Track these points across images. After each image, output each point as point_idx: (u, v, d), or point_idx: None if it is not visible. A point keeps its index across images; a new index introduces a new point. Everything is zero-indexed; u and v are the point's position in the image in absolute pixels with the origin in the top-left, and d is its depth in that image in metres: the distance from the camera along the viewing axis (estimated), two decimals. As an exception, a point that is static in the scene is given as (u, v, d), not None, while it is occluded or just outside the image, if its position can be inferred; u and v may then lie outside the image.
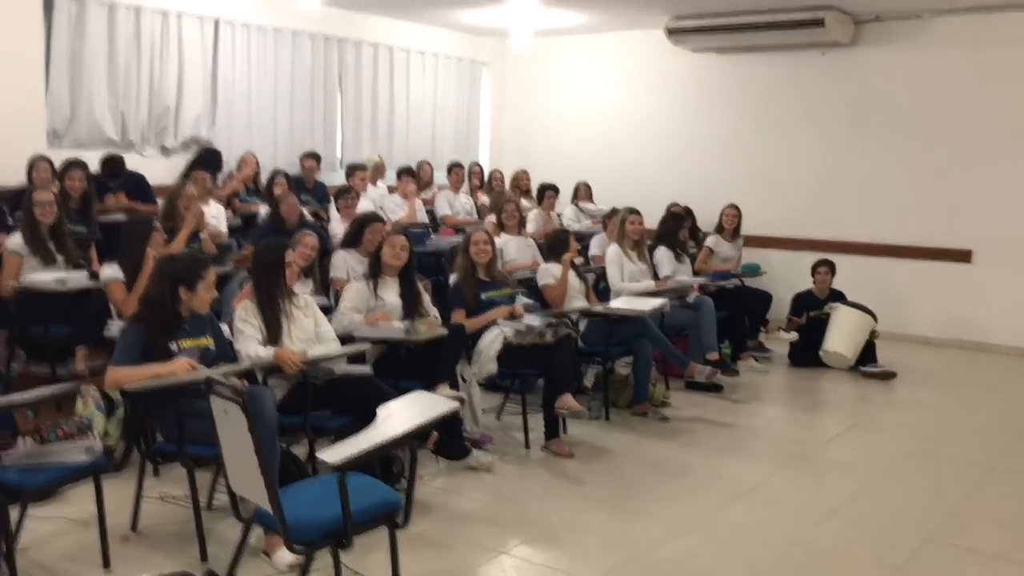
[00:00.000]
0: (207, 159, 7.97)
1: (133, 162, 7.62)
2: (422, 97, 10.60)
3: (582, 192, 9.88)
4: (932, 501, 4.85)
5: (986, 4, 8.35)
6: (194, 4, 8.27)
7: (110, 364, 4.00)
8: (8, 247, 5.60)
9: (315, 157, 8.76)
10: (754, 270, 8.36)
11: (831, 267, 8.04)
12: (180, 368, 3.90)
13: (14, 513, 3.70)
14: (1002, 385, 7.56)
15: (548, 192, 9.13)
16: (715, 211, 8.67)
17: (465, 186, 9.69)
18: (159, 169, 7.96)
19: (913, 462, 5.53)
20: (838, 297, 7.98)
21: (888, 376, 7.48)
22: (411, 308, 5.27)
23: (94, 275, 5.46)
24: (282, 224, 6.78)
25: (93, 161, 7.26)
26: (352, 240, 6.12)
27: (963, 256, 8.77)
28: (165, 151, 8.27)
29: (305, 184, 8.56)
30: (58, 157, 6.94)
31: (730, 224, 8.41)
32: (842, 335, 7.62)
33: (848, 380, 7.51)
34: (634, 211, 7.02)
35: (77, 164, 6.49)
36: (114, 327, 4.71)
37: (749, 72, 9.87)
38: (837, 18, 8.73)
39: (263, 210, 7.67)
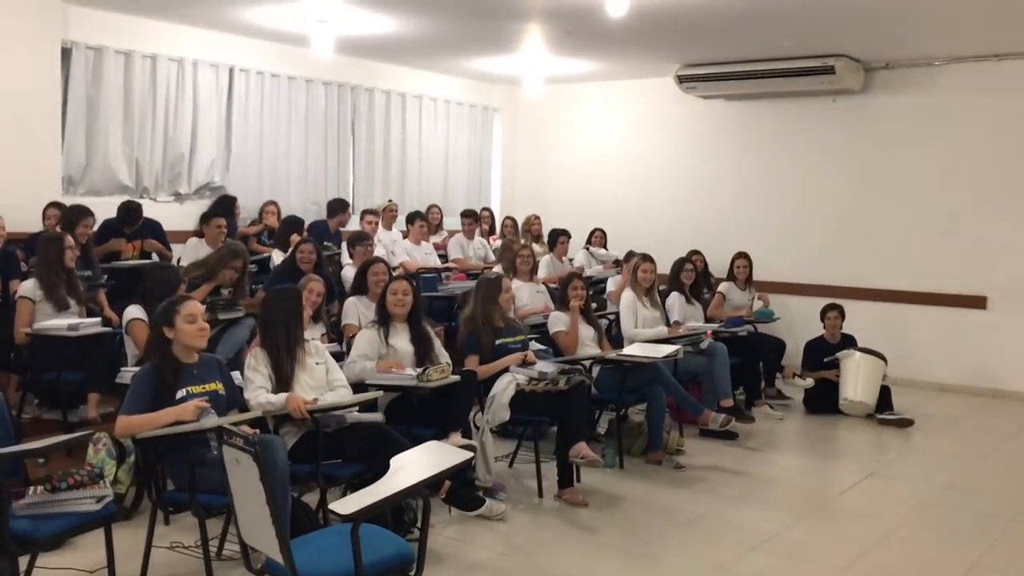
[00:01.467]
0: (222, 205, 8.05)
1: (147, 208, 7.65)
2: (434, 143, 10.69)
3: (597, 238, 9.88)
4: (953, 552, 4.76)
5: (996, 51, 8.40)
6: (209, 52, 8.39)
7: (120, 412, 3.98)
8: (21, 292, 5.60)
9: (375, 213, 8.76)
10: (767, 316, 8.31)
11: (840, 311, 8.01)
12: (188, 411, 3.88)
13: (23, 562, 3.66)
14: (1021, 433, 7.45)
15: (560, 237, 9.14)
16: (727, 257, 8.65)
17: (478, 231, 9.71)
18: (173, 215, 8.03)
19: (933, 512, 5.44)
20: (850, 342, 7.93)
21: (905, 423, 7.39)
22: (423, 354, 5.24)
23: (106, 321, 5.45)
24: (297, 271, 6.79)
25: (107, 207, 7.33)
26: (360, 286, 6.11)
27: (978, 303, 8.71)
28: (179, 197, 8.34)
29: (328, 230, 8.60)
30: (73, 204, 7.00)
31: (742, 275, 8.40)
32: (861, 383, 7.55)
33: (865, 428, 7.42)
34: (647, 258, 7.03)
35: (87, 212, 6.54)
36: (126, 374, 4.68)
37: (760, 119, 9.92)
38: (847, 65, 8.77)
39: (276, 255, 7.69)
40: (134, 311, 5.24)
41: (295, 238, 7.49)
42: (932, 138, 8.93)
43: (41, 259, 5.66)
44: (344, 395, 4.58)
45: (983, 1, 6.71)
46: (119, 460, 4.73)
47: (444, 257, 9.02)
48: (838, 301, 8.22)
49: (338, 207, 8.76)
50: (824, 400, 7.71)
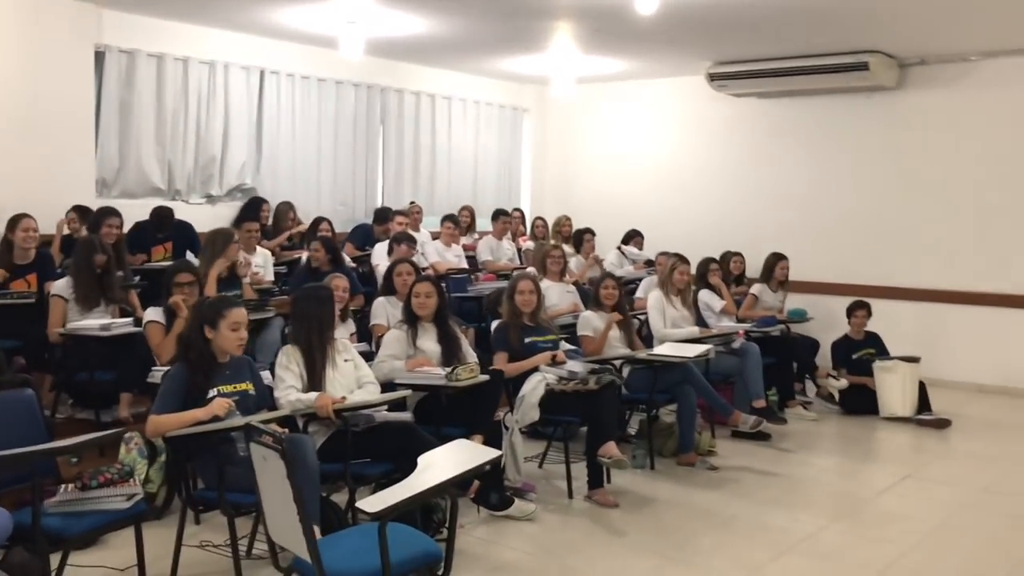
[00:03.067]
0: (250, 208, 8.13)
1: (179, 210, 7.74)
2: (463, 144, 10.68)
3: (636, 241, 9.80)
4: (992, 557, 4.66)
5: (1034, 46, 8.25)
6: (240, 55, 8.43)
7: (151, 412, 4.01)
8: (53, 291, 5.66)
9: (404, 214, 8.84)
10: (800, 315, 8.20)
11: (868, 309, 7.94)
12: (219, 408, 3.90)
13: (55, 560, 3.69)
14: (1061, 435, 7.31)
15: (586, 235, 9.11)
16: (760, 256, 8.55)
17: (508, 232, 9.68)
18: (205, 217, 8.06)
19: (971, 515, 5.33)
20: (874, 340, 7.89)
21: (943, 424, 7.27)
22: (451, 353, 5.22)
23: (138, 321, 5.49)
24: (315, 270, 6.84)
25: (140, 209, 7.40)
26: (388, 286, 6.12)
27: (1017, 302, 8.54)
28: (211, 199, 8.39)
29: (373, 235, 8.65)
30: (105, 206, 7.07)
31: (782, 276, 8.28)
32: (896, 395, 7.44)
33: (901, 429, 7.31)
34: (684, 259, 7.01)
35: (112, 212, 6.59)
36: (157, 374, 4.71)
37: (793, 117, 9.81)
38: (882, 62, 8.64)
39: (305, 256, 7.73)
40: (151, 313, 5.28)
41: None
42: (968, 134, 8.78)
43: (76, 264, 5.72)
44: (373, 392, 4.59)
45: (1020, -6, 6.59)
46: (150, 459, 4.77)
47: (473, 258, 9.00)
48: (871, 300, 8.10)
49: (383, 215, 8.84)
50: (861, 400, 7.62)
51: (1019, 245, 8.53)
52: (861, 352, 7.83)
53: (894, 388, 7.47)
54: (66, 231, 6.84)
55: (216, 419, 3.89)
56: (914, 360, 7.51)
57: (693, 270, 7.45)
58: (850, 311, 7.99)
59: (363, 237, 8.70)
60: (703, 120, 10.40)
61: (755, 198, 10.02)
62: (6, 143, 6.84)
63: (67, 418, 5.68)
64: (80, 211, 6.99)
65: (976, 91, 8.73)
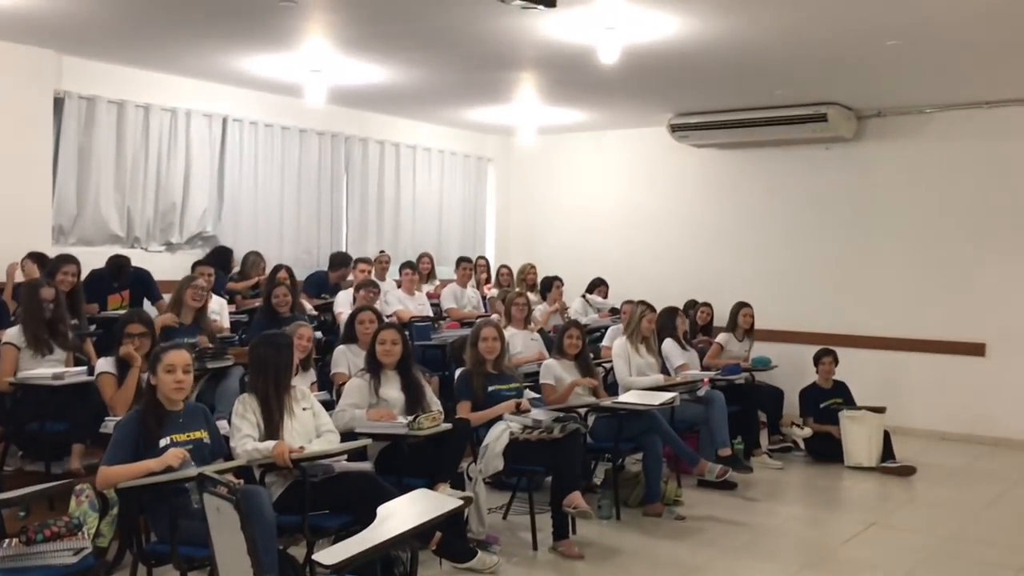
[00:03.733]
0: (218, 256, 8.04)
1: (138, 258, 7.62)
2: (428, 192, 10.68)
3: (600, 291, 9.81)
4: (960, 604, 4.63)
5: (987, 99, 8.43)
6: (203, 102, 8.39)
7: (101, 463, 3.89)
8: (5, 339, 5.52)
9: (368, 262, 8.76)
10: (764, 363, 8.22)
11: (834, 357, 8.01)
12: (172, 459, 3.79)
13: (-5, 620, 3.53)
14: (1024, 481, 7.34)
15: (556, 282, 9.11)
16: (723, 305, 8.59)
17: (472, 280, 9.65)
18: (164, 264, 7.97)
19: (937, 563, 5.30)
20: (842, 388, 7.95)
21: (907, 472, 7.28)
22: (414, 401, 5.15)
23: (92, 370, 5.36)
24: (275, 315, 6.75)
25: (98, 257, 7.27)
26: (350, 334, 6.04)
27: (977, 349, 8.64)
28: (171, 247, 8.28)
29: (328, 282, 8.57)
30: (62, 252, 6.95)
31: (746, 324, 8.31)
32: (862, 445, 7.45)
33: (866, 477, 7.30)
34: (651, 307, 6.99)
35: (69, 259, 6.47)
36: (111, 423, 4.58)
37: (753, 167, 9.94)
38: (840, 113, 8.81)
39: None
40: (103, 364, 5.17)
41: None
42: (926, 185, 8.94)
43: (24, 306, 5.60)
44: (333, 440, 4.50)
45: (972, 49, 6.75)
46: (102, 512, 4.60)
47: (437, 306, 8.95)
48: (834, 348, 8.16)
49: (339, 261, 8.77)
50: (827, 447, 7.64)
51: (980, 293, 8.65)
52: (829, 401, 7.86)
53: (860, 438, 7.48)
54: (20, 278, 6.69)
55: (170, 469, 3.78)
56: (880, 410, 7.54)
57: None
58: (817, 359, 8.04)
59: (318, 285, 8.60)
60: (665, 170, 10.50)
61: (717, 247, 10.10)
62: (-40, 190, 6.72)
63: (16, 470, 5.50)
64: (36, 258, 6.84)
65: (932, 142, 8.91)
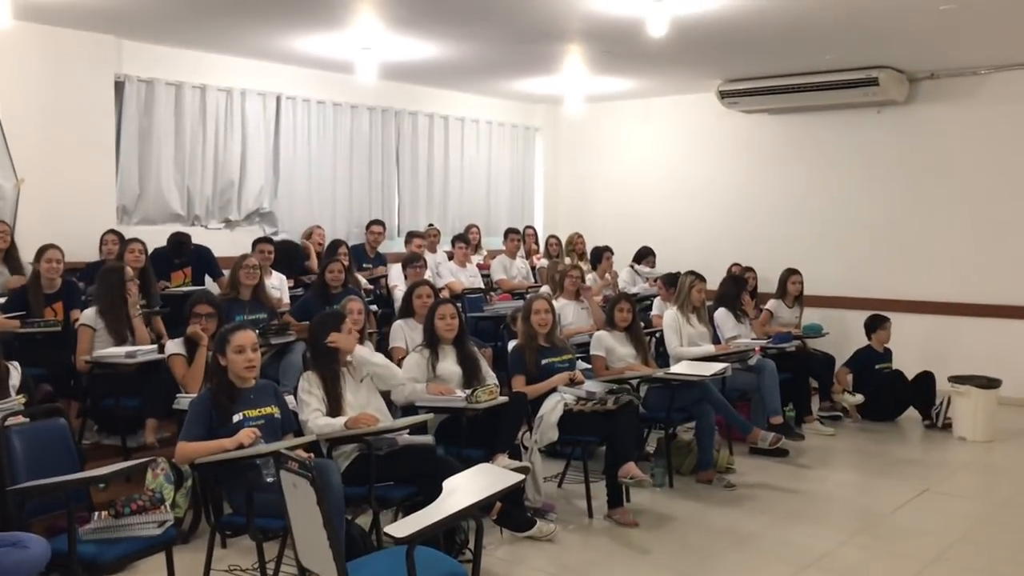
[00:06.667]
0: (286, 256, 7.99)
1: (199, 235, 7.85)
2: (476, 164, 10.79)
3: (648, 261, 9.85)
4: (1012, 571, 4.68)
5: (1043, 58, 8.29)
6: (257, 82, 8.57)
7: (179, 439, 4.10)
8: (82, 320, 5.76)
9: (381, 224, 8.94)
10: (816, 331, 8.24)
11: (889, 323, 8.05)
12: (244, 438, 3.98)
13: (88, 587, 3.76)
14: (1080, 446, 7.31)
15: (605, 253, 9.16)
16: (774, 272, 8.60)
17: (520, 250, 9.76)
18: (223, 241, 8.19)
19: (990, 529, 5.35)
20: (890, 355, 7.98)
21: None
22: (470, 375, 5.29)
23: (163, 348, 5.58)
24: (327, 290, 6.91)
25: (160, 236, 7.51)
26: (407, 309, 6.19)
27: (1031, 313, 8.56)
28: (229, 224, 8.51)
29: (367, 252, 8.72)
30: (127, 233, 7.25)
31: (795, 291, 8.32)
32: (965, 418, 7.39)
33: (918, 442, 7.33)
34: (700, 277, 7.00)
35: (135, 240, 6.75)
36: (183, 400, 4.80)
37: (804, 132, 9.86)
38: (891, 76, 8.70)
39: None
40: (172, 346, 5.37)
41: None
42: (978, 147, 8.82)
43: (101, 289, 5.80)
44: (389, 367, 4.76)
45: (1028, 9, 6.64)
46: (177, 485, 4.85)
47: (487, 277, 9.08)
48: (884, 313, 8.16)
49: (369, 224, 8.94)
50: (880, 407, 7.72)
51: (1032, 256, 8.55)
52: (882, 364, 7.90)
53: (966, 411, 7.39)
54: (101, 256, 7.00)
55: (241, 447, 3.98)
56: (994, 384, 7.44)
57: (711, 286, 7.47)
58: (873, 325, 8.04)
59: (358, 257, 8.72)
60: (714, 137, 10.47)
61: (767, 213, 10.08)
62: (30, 174, 6.97)
63: (94, 444, 5.76)
64: (116, 234, 7.14)
65: (986, 104, 8.77)
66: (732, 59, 8.58)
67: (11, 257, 6.62)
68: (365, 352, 4.79)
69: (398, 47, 7.77)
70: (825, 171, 9.74)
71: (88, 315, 5.74)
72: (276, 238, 8.31)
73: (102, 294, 5.78)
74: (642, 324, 6.77)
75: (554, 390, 5.55)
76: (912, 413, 7.87)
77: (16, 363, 4.59)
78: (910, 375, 7.96)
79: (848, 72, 8.72)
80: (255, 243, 7.60)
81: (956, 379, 7.51)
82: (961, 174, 8.93)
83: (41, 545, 3.36)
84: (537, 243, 10.49)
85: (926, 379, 7.92)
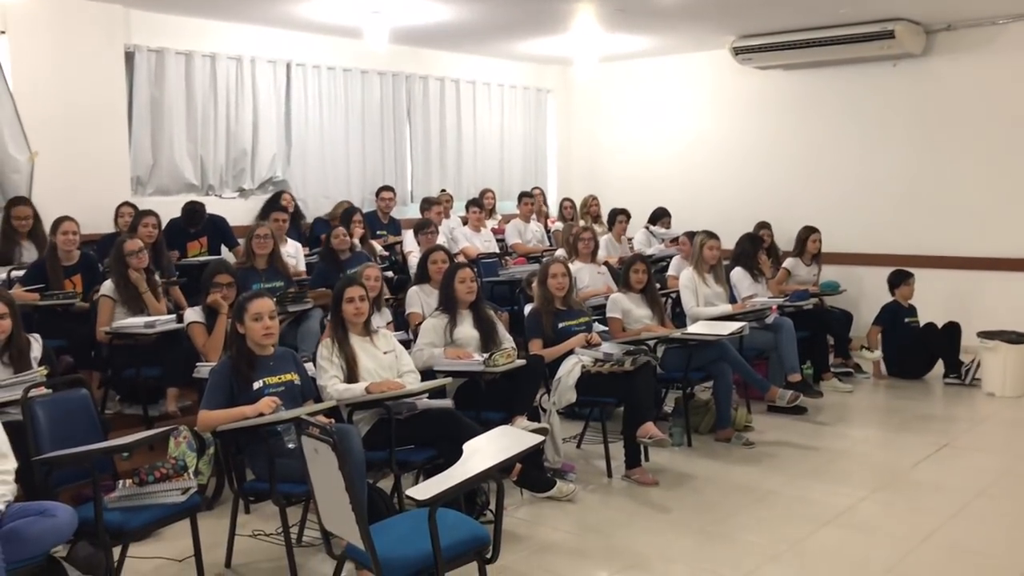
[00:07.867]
0: (271, 203, 8.13)
1: (212, 205, 7.86)
2: (489, 127, 10.72)
3: (663, 222, 9.79)
4: (1033, 523, 4.69)
5: (1064, 6, 8.13)
6: (267, 49, 8.53)
7: (200, 407, 4.14)
8: (101, 292, 5.80)
9: (391, 190, 8.93)
10: (833, 288, 8.20)
11: (912, 277, 8.02)
12: (264, 407, 4.01)
13: (116, 552, 3.82)
14: (1101, 399, 7.28)
15: (620, 217, 9.12)
16: (791, 230, 8.54)
17: (534, 213, 9.73)
18: (238, 210, 8.21)
19: (1011, 483, 5.35)
20: (915, 310, 7.94)
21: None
22: (487, 338, 5.31)
23: (183, 317, 5.61)
24: (335, 256, 6.92)
25: (175, 206, 7.53)
26: (422, 275, 6.19)
27: (1052, 266, 8.48)
28: (243, 193, 8.52)
29: (380, 218, 8.72)
30: (141, 204, 7.25)
31: (814, 249, 8.25)
32: (994, 374, 7.34)
33: (937, 397, 7.31)
34: (712, 235, 6.96)
35: (149, 213, 6.75)
36: (204, 369, 4.84)
37: (819, 87, 9.74)
38: (907, 29, 8.56)
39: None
40: (191, 314, 5.41)
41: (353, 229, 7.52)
42: (998, 98, 8.68)
43: (113, 263, 5.85)
44: (414, 381, 4.67)
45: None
46: (199, 452, 4.88)
47: (502, 242, 9.07)
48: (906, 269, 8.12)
49: (379, 191, 8.94)
50: (902, 363, 7.75)
51: (1053, 209, 8.45)
52: (911, 319, 7.89)
53: (995, 367, 7.35)
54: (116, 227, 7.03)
55: (261, 416, 4.01)
56: (1022, 340, 7.35)
57: (727, 245, 7.43)
58: (898, 280, 8.00)
59: (372, 224, 8.71)
60: (728, 94, 10.36)
61: (783, 171, 9.99)
62: (43, 147, 6.97)
63: (116, 413, 5.84)
64: (131, 206, 7.16)
65: (1005, 54, 8.62)
66: (745, 14, 8.46)
67: (35, 233, 6.65)
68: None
69: (408, 10, 7.70)
70: (841, 127, 9.63)
71: (107, 286, 5.78)
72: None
73: (114, 268, 5.82)
74: (657, 285, 6.76)
75: (571, 352, 5.56)
76: (937, 370, 7.82)
77: (37, 335, 4.62)
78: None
79: (863, 25, 8.58)
80: (265, 208, 7.58)
81: (985, 335, 7.44)
82: (979, 126, 8.80)
83: (68, 513, 3.41)
84: (546, 203, 10.42)
85: (954, 330, 7.87)
